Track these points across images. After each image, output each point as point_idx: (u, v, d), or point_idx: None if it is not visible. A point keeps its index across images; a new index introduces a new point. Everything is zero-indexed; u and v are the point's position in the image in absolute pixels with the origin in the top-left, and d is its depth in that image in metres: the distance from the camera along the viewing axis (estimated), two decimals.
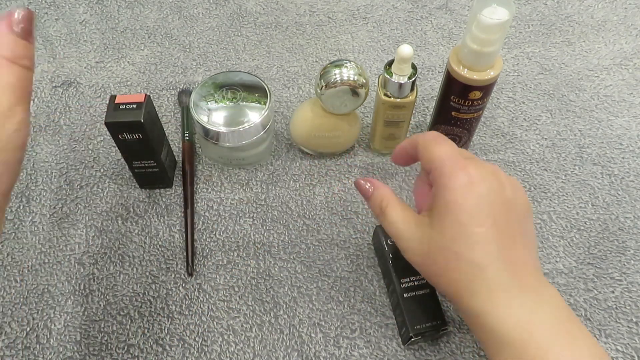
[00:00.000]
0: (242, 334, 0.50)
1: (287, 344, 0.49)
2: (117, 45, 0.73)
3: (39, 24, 0.75)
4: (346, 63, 0.53)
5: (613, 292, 0.52)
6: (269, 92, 0.57)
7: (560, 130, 0.64)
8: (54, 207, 0.57)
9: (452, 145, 0.40)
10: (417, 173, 0.61)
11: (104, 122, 0.50)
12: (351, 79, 0.52)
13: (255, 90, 0.57)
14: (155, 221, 0.57)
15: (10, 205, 0.58)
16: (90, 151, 0.62)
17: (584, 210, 0.58)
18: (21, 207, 0.57)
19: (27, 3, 0.77)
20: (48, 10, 0.76)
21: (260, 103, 0.56)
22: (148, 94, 0.61)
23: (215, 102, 0.56)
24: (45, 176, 0.60)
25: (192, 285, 0.52)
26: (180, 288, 0.52)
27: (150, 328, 0.50)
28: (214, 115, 0.55)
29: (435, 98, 0.64)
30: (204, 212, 0.57)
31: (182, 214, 0.57)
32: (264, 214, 0.57)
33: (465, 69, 0.50)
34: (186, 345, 0.49)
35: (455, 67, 0.51)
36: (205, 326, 0.50)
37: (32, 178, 0.60)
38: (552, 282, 0.53)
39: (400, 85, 0.52)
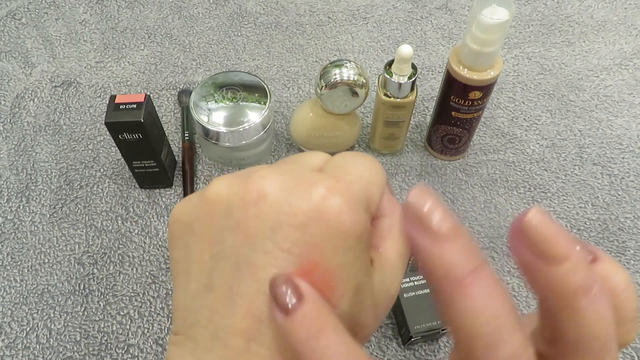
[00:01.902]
0: None
1: None
2: (117, 45, 0.73)
3: (39, 24, 0.75)
4: (346, 63, 0.53)
5: None
6: (269, 92, 0.57)
7: (560, 130, 0.64)
8: (54, 207, 0.57)
9: None
10: (417, 173, 0.61)
11: (104, 122, 0.50)
12: (351, 79, 0.52)
13: (255, 90, 0.57)
14: (155, 221, 0.56)
15: (10, 205, 0.58)
16: (90, 151, 0.62)
17: (584, 210, 0.58)
18: (21, 207, 0.57)
19: (27, 3, 0.77)
20: (48, 10, 0.76)
21: (260, 103, 0.56)
22: (148, 94, 0.61)
23: (215, 102, 0.56)
24: (45, 176, 0.60)
25: None
26: None
27: (150, 328, 0.50)
28: (214, 115, 0.55)
29: (435, 98, 0.64)
30: None
31: None
32: None
33: (465, 69, 0.50)
34: None
35: (455, 67, 0.51)
36: None
37: (32, 178, 0.60)
38: None
39: (400, 85, 0.52)
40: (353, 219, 0.19)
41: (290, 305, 0.18)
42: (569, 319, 0.16)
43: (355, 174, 0.21)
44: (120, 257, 0.54)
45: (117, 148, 0.59)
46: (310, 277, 0.19)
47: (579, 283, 0.15)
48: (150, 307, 0.51)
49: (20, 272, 0.53)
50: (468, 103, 0.53)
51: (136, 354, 0.48)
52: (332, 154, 0.23)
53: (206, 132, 0.56)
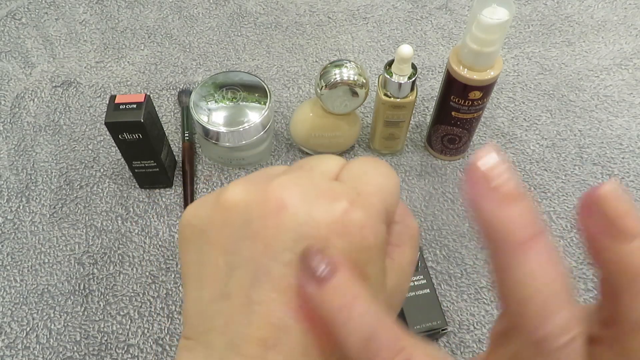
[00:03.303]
0: None
1: None
2: (117, 45, 0.73)
3: (39, 24, 0.75)
4: (346, 63, 0.53)
5: None
6: (269, 92, 0.57)
7: (560, 130, 0.64)
8: (54, 207, 0.57)
9: None
10: (417, 173, 0.61)
11: (104, 122, 0.50)
12: (351, 79, 0.52)
13: (255, 90, 0.57)
14: (155, 221, 0.57)
15: (10, 205, 0.58)
16: (90, 151, 0.62)
17: None
18: (21, 207, 0.57)
19: (27, 3, 0.77)
20: (48, 10, 0.76)
21: (260, 103, 0.56)
22: (148, 94, 0.61)
23: (215, 102, 0.56)
24: (45, 176, 0.60)
25: None
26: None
27: (150, 328, 0.50)
28: (214, 115, 0.55)
29: (435, 98, 0.64)
30: None
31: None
32: None
33: (465, 69, 0.50)
34: None
35: (455, 67, 0.51)
36: None
37: (32, 178, 0.60)
38: None
39: (400, 85, 0.52)
40: (375, 232, 0.19)
41: (323, 275, 0.18)
42: (632, 299, 0.16)
43: (375, 185, 0.21)
44: (120, 257, 0.54)
45: (117, 148, 0.59)
46: None
47: None
48: (150, 307, 0.51)
49: (20, 272, 0.53)
50: (468, 103, 0.53)
51: (136, 354, 0.48)
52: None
53: (206, 132, 0.56)
